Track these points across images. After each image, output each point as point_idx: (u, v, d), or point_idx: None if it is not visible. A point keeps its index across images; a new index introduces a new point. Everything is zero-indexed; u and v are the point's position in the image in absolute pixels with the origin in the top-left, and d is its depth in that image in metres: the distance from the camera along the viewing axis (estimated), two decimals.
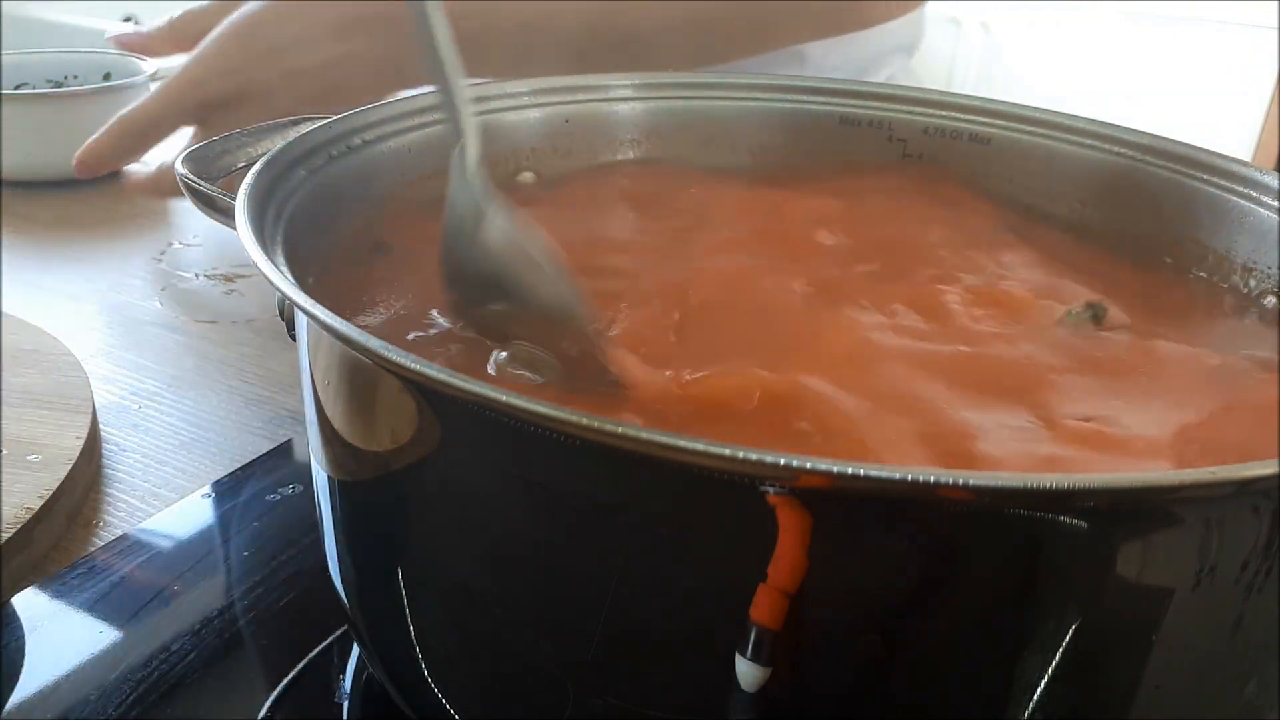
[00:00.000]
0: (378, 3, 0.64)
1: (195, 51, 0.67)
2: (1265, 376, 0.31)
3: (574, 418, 0.19)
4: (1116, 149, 0.43)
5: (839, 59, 0.79)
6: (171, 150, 0.81)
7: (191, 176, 0.37)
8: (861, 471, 0.18)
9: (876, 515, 0.21)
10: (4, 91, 0.75)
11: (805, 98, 0.48)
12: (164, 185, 0.70)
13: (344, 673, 0.35)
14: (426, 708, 0.30)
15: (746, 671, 0.22)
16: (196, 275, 0.67)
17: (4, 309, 0.54)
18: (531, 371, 0.27)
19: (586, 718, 0.25)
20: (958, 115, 0.46)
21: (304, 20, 0.65)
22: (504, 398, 0.20)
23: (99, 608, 0.37)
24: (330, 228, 0.36)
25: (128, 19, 1.80)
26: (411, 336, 0.32)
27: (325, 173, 0.36)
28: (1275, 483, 0.19)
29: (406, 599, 0.28)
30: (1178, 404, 0.29)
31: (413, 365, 0.21)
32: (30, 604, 0.38)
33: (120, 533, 0.42)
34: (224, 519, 0.43)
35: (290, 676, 0.35)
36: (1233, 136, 2.12)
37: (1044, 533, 0.20)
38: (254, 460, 0.47)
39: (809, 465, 0.18)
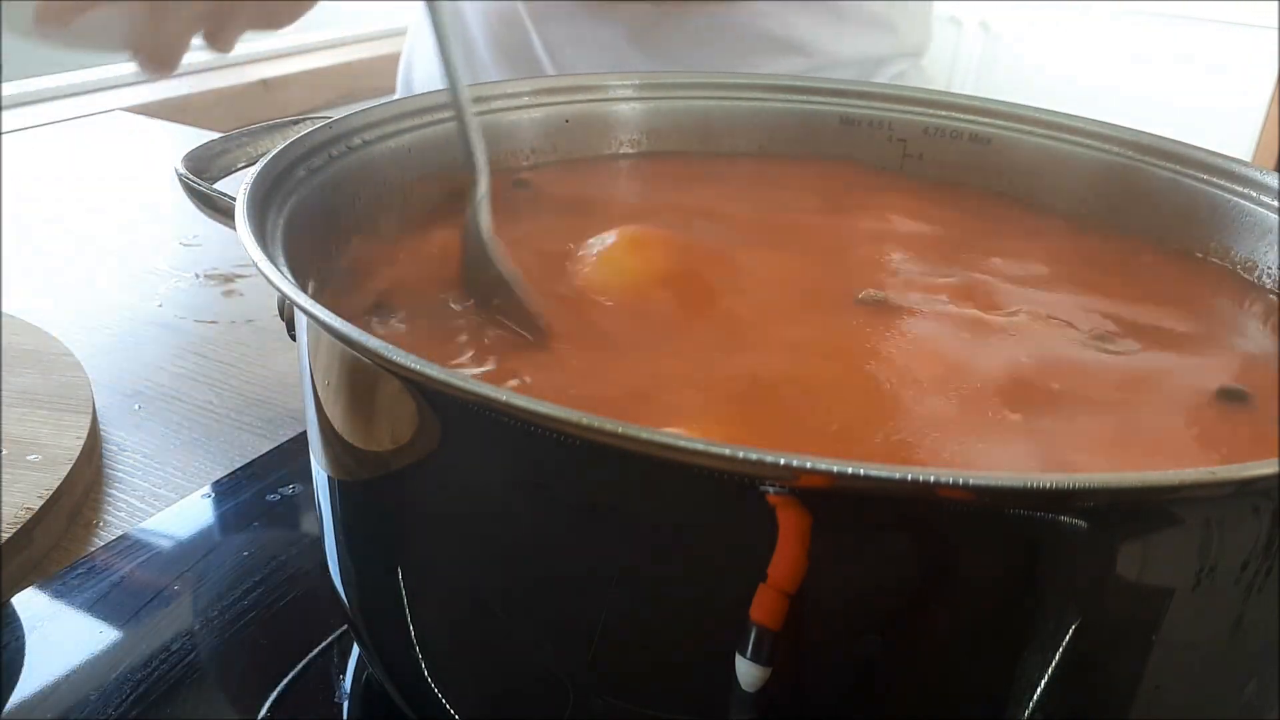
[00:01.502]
0: None
1: None
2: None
3: (574, 418, 0.19)
4: (1116, 149, 0.43)
5: (848, 53, 0.79)
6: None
7: (191, 176, 0.37)
8: (861, 471, 0.18)
9: (876, 515, 0.21)
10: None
11: (805, 98, 0.48)
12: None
13: (344, 673, 0.35)
14: (426, 708, 0.30)
15: (746, 671, 0.22)
16: (196, 275, 0.67)
17: (4, 309, 0.54)
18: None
19: (586, 718, 0.25)
20: (958, 115, 0.46)
21: None
22: (504, 398, 0.20)
23: (99, 608, 0.37)
24: (330, 227, 0.36)
25: None
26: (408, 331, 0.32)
27: (325, 173, 0.36)
28: (1275, 483, 0.19)
29: (406, 599, 0.28)
30: None
31: (413, 365, 0.21)
32: (30, 604, 0.38)
33: (120, 533, 0.42)
34: (224, 519, 0.43)
35: (290, 676, 0.35)
36: (1233, 136, 2.12)
37: (1044, 533, 0.20)
38: (254, 460, 0.47)
39: (809, 465, 0.18)
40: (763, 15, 0.76)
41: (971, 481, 0.18)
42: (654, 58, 0.78)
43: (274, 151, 0.33)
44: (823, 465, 0.18)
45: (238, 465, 0.46)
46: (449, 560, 0.27)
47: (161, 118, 1.05)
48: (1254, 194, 0.39)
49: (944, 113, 0.47)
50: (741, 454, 0.18)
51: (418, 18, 0.89)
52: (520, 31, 0.79)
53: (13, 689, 0.34)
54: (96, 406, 0.48)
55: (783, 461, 0.18)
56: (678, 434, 0.19)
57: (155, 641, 0.36)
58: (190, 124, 1.06)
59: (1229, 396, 0.30)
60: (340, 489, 0.29)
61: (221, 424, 0.50)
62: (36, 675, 0.34)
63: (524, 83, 0.45)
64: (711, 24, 0.75)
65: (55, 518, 0.41)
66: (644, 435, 0.19)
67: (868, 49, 0.81)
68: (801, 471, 0.18)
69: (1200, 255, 0.40)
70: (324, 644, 0.36)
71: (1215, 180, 0.40)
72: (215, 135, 0.42)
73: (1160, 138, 0.42)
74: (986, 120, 0.46)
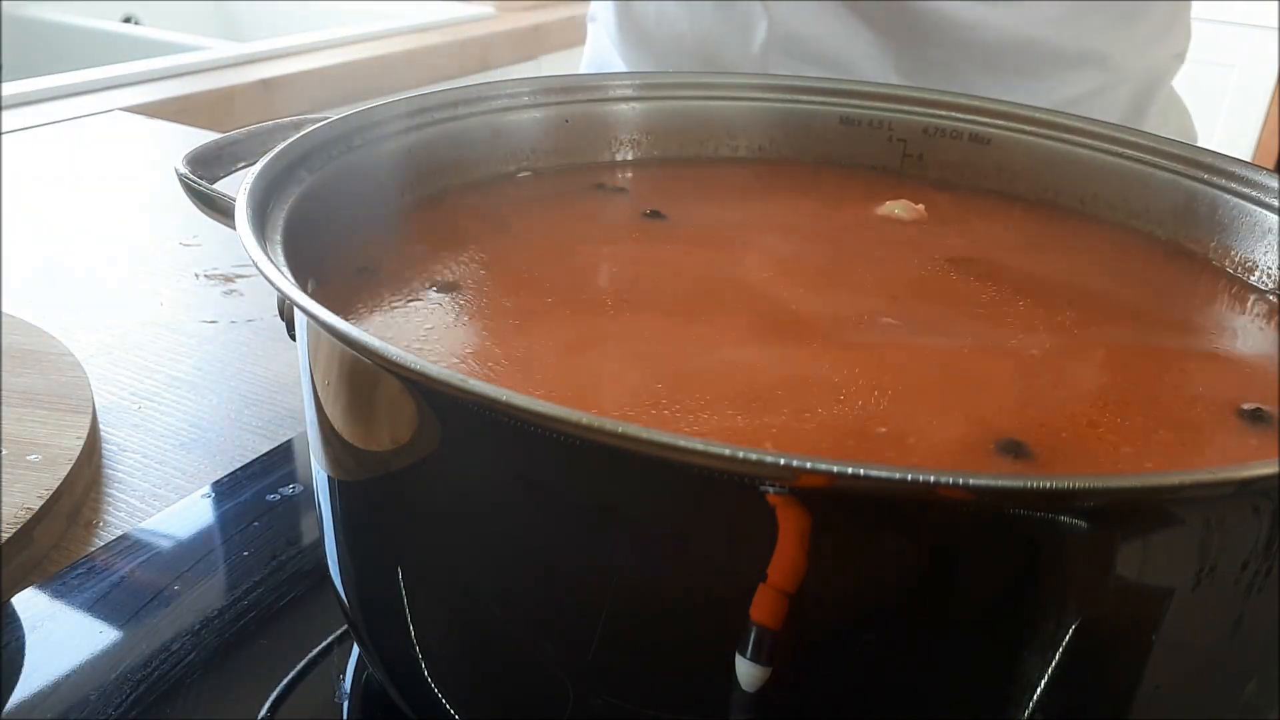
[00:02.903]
0: None
1: None
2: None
3: (574, 417, 0.19)
4: (1117, 149, 0.43)
5: (1139, 63, 0.75)
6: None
7: (191, 176, 0.37)
8: (861, 471, 0.18)
9: (876, 515, 0.21)
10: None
11: (805, 98, 0.48)
12: None
13: (344, 673, 0.35)
14: (426, 708, 0.30)
15: (746, 671, 0.22)
16: (196, 275, 0.67)
17: (4, 309, 0.54)
18: None
19: (586, 718, 0.25)
20: (958, 115, 0.46)
21: None
22: (504, 398, 0.20)
23: (99, 608, 0.37)
24: (330, 228, 0.36)
25: (128, 19, 1.80)
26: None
27: (325, 173, 0.36)
28: (1275, 483, 0.19)
29: (406, 599, 0.28)
30: None
31: (413, 365, 0.21)
32: (30, 604, 0.38)
33: (120, 533, 0.42)
34: (224, 519, 0.43)
35: (290, 676, 0.35)
36: (1233, 136, 2.12)
37: (1044, 533, 0.20)
38: (254, 460, 0.47)
39: (809, 465, 0.18)
40: (1055, 25, 0.68)
41: (971, 482, 0.18)
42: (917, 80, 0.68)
43: (274, 151, 0.33)
44: (823, 465, 0.18)
45: (238, 465, 0.46)
46: (449, 560, 0.27)
47: (161, 118, 1.05)
48: (1254, 194, 0.39)
49: (944, 113, 0.47)
50: (741, 454, 0.18)
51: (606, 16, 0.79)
52: (742, 31, 0.70)
53: (13, 689, 0.34)
54: (96, 406, 0.48)
55: (783, 461, 0.18)
56: (677, 434, 0.19)
57: (155, 641, 0.36)
58: (190, 124, 1.05)
59: (1252, 417, 0.29)
60: (340, 489, 0.29)
61: (221, 424, 0.50)
62: (36, 675, 0.34)
63: (523, 82, 0.45)
64: (996, 41, 0.67)
65: (55, 518, 0.41)
66: (644, 435, 0.19)
67: (1155, 57, 0.75)
68: (801, 471, 0.18)
69: (1200, 255, 0.40)
70: (324, 644, 0.36)
71: (1215, 180, 0.40)
72: (215, 135, 0.42)
73: (1160, 137, 0.42)
74: (986, 120, 0.46)
